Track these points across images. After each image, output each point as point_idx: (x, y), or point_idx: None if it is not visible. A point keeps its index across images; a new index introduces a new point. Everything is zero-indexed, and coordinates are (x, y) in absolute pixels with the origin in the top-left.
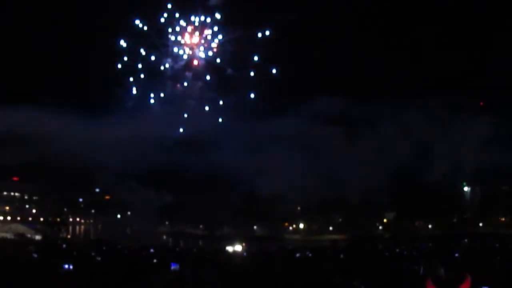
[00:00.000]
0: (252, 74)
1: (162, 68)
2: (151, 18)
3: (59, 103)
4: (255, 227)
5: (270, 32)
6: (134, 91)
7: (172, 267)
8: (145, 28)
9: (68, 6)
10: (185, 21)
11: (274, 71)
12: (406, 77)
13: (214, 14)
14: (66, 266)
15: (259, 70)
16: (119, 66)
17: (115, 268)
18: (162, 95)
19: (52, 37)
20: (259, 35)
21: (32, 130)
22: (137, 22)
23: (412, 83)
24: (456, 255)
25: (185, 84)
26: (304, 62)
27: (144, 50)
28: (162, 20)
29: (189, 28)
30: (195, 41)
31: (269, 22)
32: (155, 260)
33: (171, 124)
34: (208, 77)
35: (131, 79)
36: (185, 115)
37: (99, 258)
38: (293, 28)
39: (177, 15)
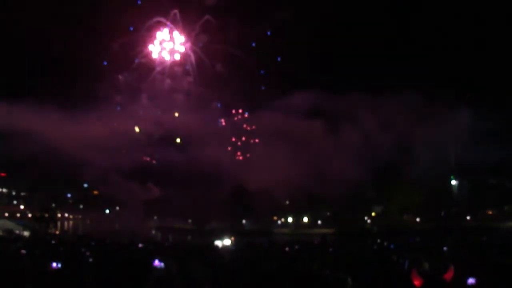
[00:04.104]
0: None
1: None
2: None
3: (46, 99)
4: (243, 221)
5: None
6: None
7: (155, 264)
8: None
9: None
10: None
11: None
12: (394, 70)
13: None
14: (55, 264)
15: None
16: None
17: (105, 265)
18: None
19: (38, 35)
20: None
21: (20, 126)
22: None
23: (401, 77)
24: (444, 248)
25: (172, 80)
26: (288, 57)
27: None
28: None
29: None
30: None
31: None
32: (148, 256)
33: (157, 119)
34: (193, 73)
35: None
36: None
37: (88, 253)
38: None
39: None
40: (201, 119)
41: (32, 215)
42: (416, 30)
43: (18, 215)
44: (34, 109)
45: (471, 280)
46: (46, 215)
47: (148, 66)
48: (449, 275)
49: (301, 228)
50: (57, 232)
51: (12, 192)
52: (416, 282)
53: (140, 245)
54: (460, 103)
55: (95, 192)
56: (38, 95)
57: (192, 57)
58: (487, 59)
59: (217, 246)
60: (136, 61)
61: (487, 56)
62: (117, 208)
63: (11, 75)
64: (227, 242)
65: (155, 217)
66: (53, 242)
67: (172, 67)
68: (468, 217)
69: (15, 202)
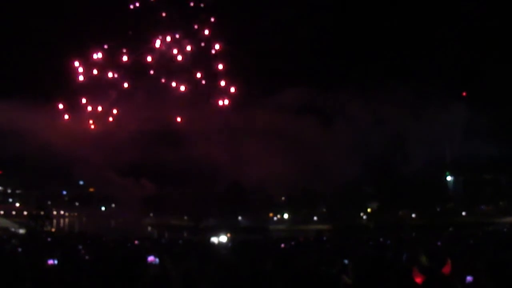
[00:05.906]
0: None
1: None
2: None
3: (40, 95)
4: (239, 217)
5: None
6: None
7: (149, 260)
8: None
9: None
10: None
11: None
12: (388, 66)
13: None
14: (51, 261)
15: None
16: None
17: (101, 262)
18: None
19: (31, 30)
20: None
21: (14, 124)
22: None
23: (395, 72)
24: (439, 243)
25: (167, 77)
26: (285, 53)
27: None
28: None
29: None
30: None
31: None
32: (144, 253)
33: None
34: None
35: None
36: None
37: (83, 251)
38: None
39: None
40: (196, 115)
41: (27, 213)
42: (411, 24)
43: (14, 213)
44: (29, 106)
45: (469, 278)
46: (42, 212)
47: (144, 63)
48: (447, 269)
49: (297, 224)
50: (53, 230)
51: (8, 190)
52: (418, 280)
53: (136, 242)
54: (455, 99)
55: (91, 190)
56: (32, 92)
57: (188, 54)
58: (482, 54)
59: (213, 243)
60: (132, 58)
61: (482, 51)
62: (113, 205)
63: (3, 73)
64: (223, 238)
65: (151, 214)
66: (49, 239)
67: (168, 64)
68: (463, 213)
69: (10, 200)
